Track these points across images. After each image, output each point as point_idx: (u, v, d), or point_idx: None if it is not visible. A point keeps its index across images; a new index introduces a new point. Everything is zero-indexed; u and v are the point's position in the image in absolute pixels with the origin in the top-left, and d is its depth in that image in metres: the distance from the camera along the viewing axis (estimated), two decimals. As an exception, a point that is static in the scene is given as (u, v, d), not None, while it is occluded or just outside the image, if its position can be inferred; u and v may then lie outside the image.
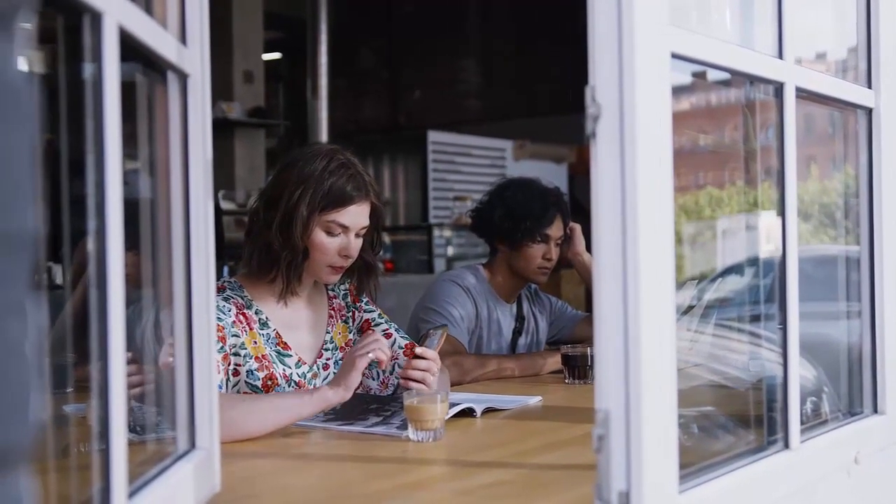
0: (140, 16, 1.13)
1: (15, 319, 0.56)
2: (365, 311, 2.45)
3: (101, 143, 1.01)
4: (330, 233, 2.23)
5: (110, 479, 1.01)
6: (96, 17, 1.00)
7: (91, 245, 1.01)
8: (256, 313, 2.26)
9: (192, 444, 1.38)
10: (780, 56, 1.54)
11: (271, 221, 2.21)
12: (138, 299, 1.36)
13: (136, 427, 1.35)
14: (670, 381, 1.23)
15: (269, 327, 2.26)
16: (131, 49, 1.11)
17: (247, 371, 2.19)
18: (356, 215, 2.24)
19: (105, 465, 1.01)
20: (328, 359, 2.36)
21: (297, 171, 2.21)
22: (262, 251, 2.24)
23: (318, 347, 2.35)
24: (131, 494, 1.08)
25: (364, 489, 1.59)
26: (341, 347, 2.39)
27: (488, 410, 2.22)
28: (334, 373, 2.32)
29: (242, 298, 2.26)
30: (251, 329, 2.22)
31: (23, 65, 0.62)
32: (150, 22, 1.18)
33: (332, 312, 2.42)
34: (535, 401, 2.38)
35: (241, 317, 2.21)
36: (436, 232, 7.64)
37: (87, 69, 1.01)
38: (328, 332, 2.38)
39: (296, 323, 2.33)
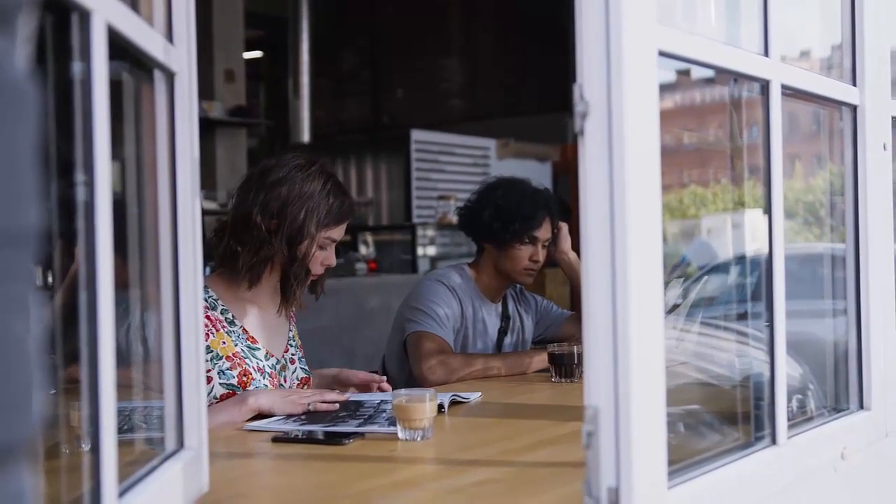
0: (128, 14, 1.13)
1: (19, 315, 0.56)
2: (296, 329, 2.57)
3: (90, 141, 1.00)
4: (322, 247, 2.31)
5: (100, 478, 1.00)
6: (85, 15, 0.99)
7: (80, 245, 1.00)
8: (222, 313, 2.31)
9: (181, 444, 1.38)
10: (766, 54, 1.54)
11: (270, 233, 2.25)
12: (124, 300, 1.36)
13: (122, 426, 1.34)
14: (659, 376, 1.24)
15: (236, 325, 2.31)
16: (117, 47, 1.10)
17: (218, 372, 2.22)
18: (344, 229, 2.36)
19: (95, 465, 1.00)
20: (293, 354, 2.46)
21: (297, 189, 2.26)
22: (263, 263, 2.28)
23: (284, 343, 2.44)
24: (121, 494, 1.08)
25: (353, 488, 1.58)
26: (300, 346, 2.51)
27: (454, 403, 2.26)
28: (301, 367, 2.46)
29: (206, 300, 2.27)
30: (218, 330, 2.24)
31: (24, 64, 0.62)
32: (137, 20, 1.18)
33: (291, 314, 2.51)
34: (475, 397, 2.39)
35: (205, 319, 2.22)
36: (419, 231, 7.64)
37: (76, 67, 1.01)
38: (291, 331, 2.48)
39: (262, 321, 2.39)
